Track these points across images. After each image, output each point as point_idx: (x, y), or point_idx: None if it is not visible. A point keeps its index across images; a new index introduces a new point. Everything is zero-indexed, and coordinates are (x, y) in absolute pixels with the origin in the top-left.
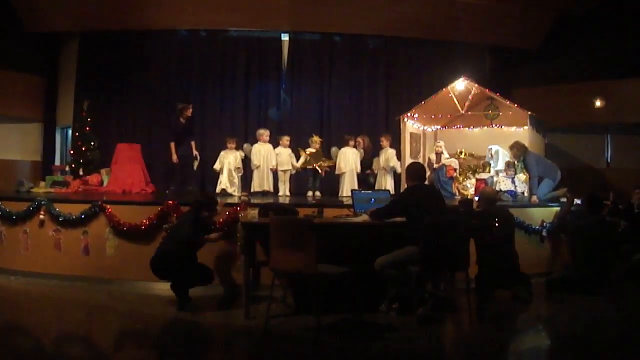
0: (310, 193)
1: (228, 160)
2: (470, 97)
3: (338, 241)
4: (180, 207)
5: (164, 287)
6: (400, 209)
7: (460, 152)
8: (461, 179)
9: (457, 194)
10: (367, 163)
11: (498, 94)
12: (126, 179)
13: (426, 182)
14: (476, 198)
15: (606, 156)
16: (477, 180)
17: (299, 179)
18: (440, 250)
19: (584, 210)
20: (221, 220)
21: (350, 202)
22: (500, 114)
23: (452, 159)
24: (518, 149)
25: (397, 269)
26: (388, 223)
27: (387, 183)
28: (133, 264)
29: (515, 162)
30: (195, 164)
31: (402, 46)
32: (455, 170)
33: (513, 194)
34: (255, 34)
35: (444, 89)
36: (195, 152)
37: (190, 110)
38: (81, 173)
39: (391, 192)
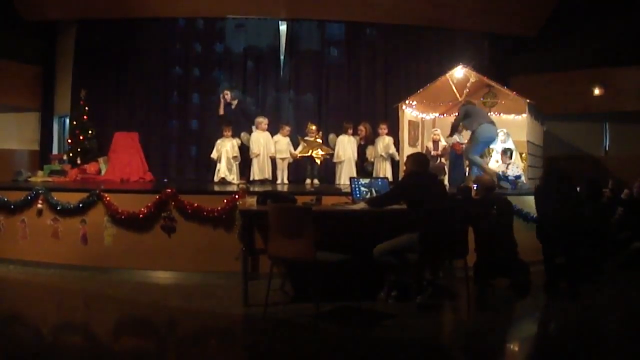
0: (308, 181)
1: (225, 149)
2: (468, 84)
3: (336, 229)
4: (178, 195)
5: (162, 276)
6: (399, 196)
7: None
8: None
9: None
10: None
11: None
12: (124, 168)
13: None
14: (474, 186)
15: (604, 144)
16: None
17: (298, 167)
18: (439, 238)
19: (583, 197)
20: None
21: (348, 189)
22: (499, 101)
23: (452, 138)
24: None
25: (396, 256)
26: (387, 210)
27: (386, 170)
28: (131, 253)
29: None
30: None
31: (400, 34)
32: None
33: (513, 179)
34: (253, 22)
35: (442, 77)
36: None
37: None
38: (79, 162)
39: (390, 180)
